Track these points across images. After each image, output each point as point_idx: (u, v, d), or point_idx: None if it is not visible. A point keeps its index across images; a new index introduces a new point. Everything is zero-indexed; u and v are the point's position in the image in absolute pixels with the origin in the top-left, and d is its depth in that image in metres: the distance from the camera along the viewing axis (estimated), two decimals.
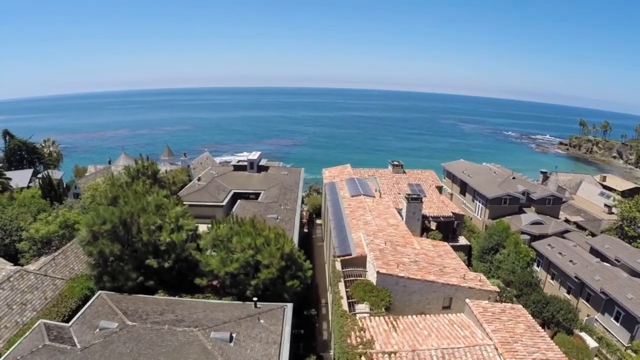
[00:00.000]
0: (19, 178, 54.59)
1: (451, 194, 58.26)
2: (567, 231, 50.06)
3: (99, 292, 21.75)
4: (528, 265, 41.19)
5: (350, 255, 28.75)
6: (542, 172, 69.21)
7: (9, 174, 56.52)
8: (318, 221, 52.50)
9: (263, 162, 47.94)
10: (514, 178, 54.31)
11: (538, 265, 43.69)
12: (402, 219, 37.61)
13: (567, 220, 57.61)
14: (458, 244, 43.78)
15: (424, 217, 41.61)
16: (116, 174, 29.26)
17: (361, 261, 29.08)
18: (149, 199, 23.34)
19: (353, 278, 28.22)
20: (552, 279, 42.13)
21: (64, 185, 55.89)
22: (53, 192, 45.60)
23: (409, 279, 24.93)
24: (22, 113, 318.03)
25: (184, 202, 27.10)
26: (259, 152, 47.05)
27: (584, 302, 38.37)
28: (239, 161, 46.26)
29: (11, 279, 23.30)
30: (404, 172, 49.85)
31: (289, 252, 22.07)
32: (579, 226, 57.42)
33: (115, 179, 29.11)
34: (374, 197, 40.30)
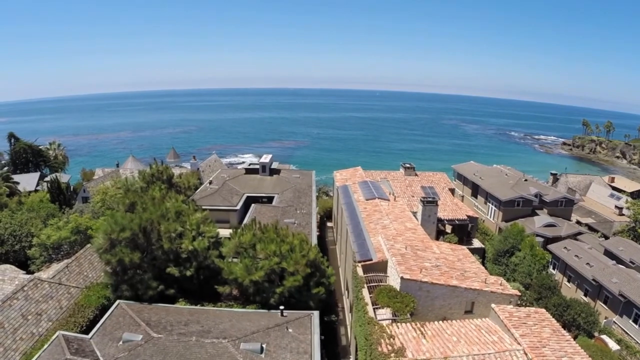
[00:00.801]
0: (26, 181, 54.02)
1: (462, 196, 57.62)
2: (579, 233, 49.55)
3: (118, 301, 21.15)
4: (544, 268, 40.61)
5: (371, 260, 28.24)
6: (552, 174, 68.57)
7: (15, 177, 55.96)
8: (329, 224, 51.93)
9: (274, 165, 47.24)
10: (525, 180, 53.73)
11: (554, 268, 43.10)
12: (417, 222, 37.15)
13: (578, 222, 57.04)
14: (472, 246, 43.18)
15: (439, 220, 41.07)
16: (130, 179, 28.66)
17: (382, 266, 28.57)
18: (168, 205, 22.77)
19: (375, 284, 27.71)
20: (569, 281, 41.57)
21: (72, 189, 55.18)
22: (62, 196, 44.98)
23: (432, 284, 24.76)
24: (22, 115, 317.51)
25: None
26: (270, 155, 46.39)
27: (602, 304, 37.99)
28: (250, 164, 45.63)
29: (25, 288, 22.71)
30: (416, 175, 49.29)
31: (313, 258, 21.49)
32: (591, 228, 56.81)
33: (130, 184, 28.56)
34: (389, 200, 39.72)
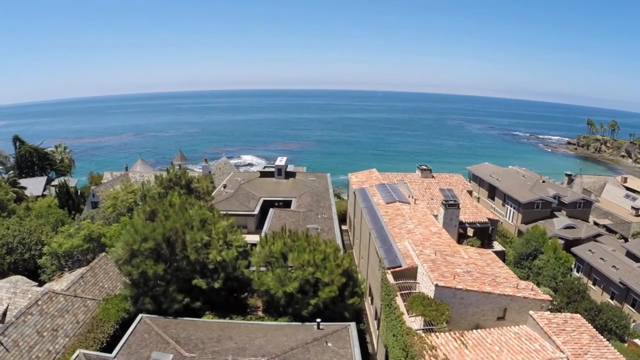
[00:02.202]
0: (33, 186, 52.83)
1: (478, 198, 56.41)
2: (599, 235, 48.46)
3: (140, 315, 19.94)
4: (570, 271, 39.47)
5: (401, 267, 27.12)
6: (566, 175, 67.33)
7: (22, 182, 54.76)
8: (343, 227, 50.73)
9: (290, 168, 45.92)
10: (543, 182, 52.54)
11: (578, 271, 41.86)
12: (440, 226, 36.05)
13: (595, 224, 55.82)
14: (493, 249, 41.93)
15: (460, 224, 39.86)
16: (147, 184, 27.44)
17: (411, 273, 27.49)
18: (191, 212, 21.56)
19: (406, 291, 26.58)
20: (594, 284, 40.38)
21: (79, 193, 54.01)
22: (71, 201, 43.82)
23: (466, 290, 24.19)
24: (23, 118, 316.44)
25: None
26: (285, 158, 45.18)
27: (630, 307, 37.06)
28: (264, 167, 44.37)
29: (39, 302, 21.43)
30: (433, 177, 48.08)
31: (347, 267, 20.32)
32: (608, 229, 55.57)
33: (146, 189, 27.30)
34: (409, 203, 38.53)
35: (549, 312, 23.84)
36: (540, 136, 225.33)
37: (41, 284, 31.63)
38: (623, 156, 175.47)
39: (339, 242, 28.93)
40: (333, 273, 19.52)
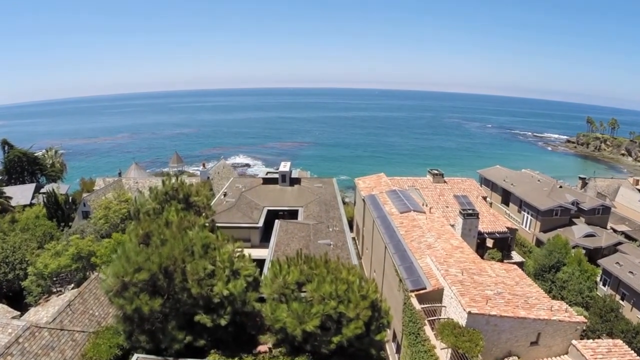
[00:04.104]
0: (21, 194, 49.62)
1: (490, 203, 53.89)
2: (619, 243, 46.01)
3: (136, 356, 17.19)
4: (596, 285, 37.08)
5: (425, 289, 24.53)
6: (580, 178, 64.81)
7: (9, 189, 51.60)
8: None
9: (294, 174, 42.95)
10: (560, 187, 50.01)
11: (604, 285, 39.37)
12: (459, 237, 33.51)
13: (613, 230, 53.43)
14: (512, 260, 39.51)
15: (478, 234, 37.33)
16: (140, 198, 24.55)
17: (436, 295, 24.94)
18: (191, 234, 18.73)
19: (432, 318, 23.98)
20: (622, 299, 37.85)
21: (70, 200, 50.92)
22: (60, 212, 40.79)
23: (501, 317, 21.81)
24: (17, 118, 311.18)
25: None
26: (288, 163, 42.25)
27: None
28: (267, 173, 41.50)
29: (20, 339, 18.60)
30: (445, 182, 45.50)
31: (375, 298, 17.63)
32: (627, 236, 53.22)
33: (140, 204, 24.34)
34: (425, 212, 35.89)
35: (591, 341, 22.16)
36: (539, 134, 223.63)
37: (26, 307, 28.82)
38: (623, 154, 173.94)
39: (354, 259, 26.18)
40: (358, 306, 16.80)
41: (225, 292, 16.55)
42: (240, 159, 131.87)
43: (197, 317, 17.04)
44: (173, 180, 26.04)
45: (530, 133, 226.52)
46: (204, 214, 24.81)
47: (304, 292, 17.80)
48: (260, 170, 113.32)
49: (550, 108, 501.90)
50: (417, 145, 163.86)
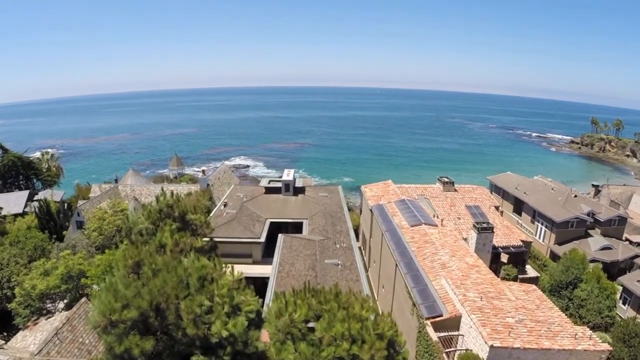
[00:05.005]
0: (13, 202, 47.73)
1: (502, 212, 52.00)
2: (636, 256, 44.14)
3: None
4: (615, 303, 35.22)
5: (442, 316, 22.68)
6: (593, 185, 62.80)
7: (1, 196, 49.77)
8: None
9: (299, 184, 40.79)
10: (575, 196, 48.05)
11: (624, 303, 37.44)
12: (474, 253, 31.63)
13: (628, 241, 51.49)
14: (527, 276, 37.67)
15: (492, 248, 35.43)
16: (133, 216, 22.63)
17: (453, 322, 23.09)
18: (186, 263, 16.81)
19: (449, 350, 22.15)
20: None
21: (65, 207, 49.20)
22: (52, 223, 38.96)
23: (524, 349, 20.41)
24: (16, 117, 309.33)
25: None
26: (292, 170, 40.33)
27: None
28: (270, 181, 39.58)
29: None
30: (456, 190, 43.59)
31: (391, 335, 15.73)
32: None
33: (132, 222, 22.36)
34: (436, 225, 34.03)
35: None
36: (542, 135, 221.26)
37: (16, 328, 27.09)
38: (628, 155, 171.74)
39: (365, 284, 24.26)
40: (373, 347, 14.87)
41: (225, 334, 14.65)
42: (241, 160, 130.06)
43: (193, 359, 15.22)
44: (168, 196, 24.11)
45: (533, 133, 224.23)
46: (201, 233, 22.94)
47: (312, 327, 16.05)
48: (261, 172, 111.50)
49: (554, 108, 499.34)
50: (421, 147, 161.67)
